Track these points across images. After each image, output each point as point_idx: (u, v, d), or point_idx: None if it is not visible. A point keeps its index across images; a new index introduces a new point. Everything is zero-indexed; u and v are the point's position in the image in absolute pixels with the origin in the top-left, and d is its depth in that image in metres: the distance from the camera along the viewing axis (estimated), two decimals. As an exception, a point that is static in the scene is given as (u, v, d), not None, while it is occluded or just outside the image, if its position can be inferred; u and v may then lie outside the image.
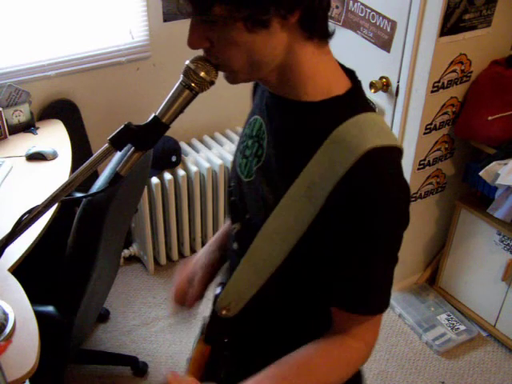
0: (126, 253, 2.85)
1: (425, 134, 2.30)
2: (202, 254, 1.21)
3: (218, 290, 1.02)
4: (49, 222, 1.84)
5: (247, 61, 0.83)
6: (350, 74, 0.91)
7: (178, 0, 0.79)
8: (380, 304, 0.92)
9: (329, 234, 0.85)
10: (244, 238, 0.97)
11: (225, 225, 1.23)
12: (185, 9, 0.80)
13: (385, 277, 0.91)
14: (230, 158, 2.71)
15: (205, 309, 1.13)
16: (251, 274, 0.93)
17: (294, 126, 0.89)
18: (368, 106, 0.89)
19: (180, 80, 0.87)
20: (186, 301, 1.17)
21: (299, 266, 0.91)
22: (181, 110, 0.88)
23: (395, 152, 0.86)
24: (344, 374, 0.95)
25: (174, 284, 1.20)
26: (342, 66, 0.92)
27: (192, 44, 0.83)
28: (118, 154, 1.75)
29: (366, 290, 0.90)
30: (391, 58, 2.26)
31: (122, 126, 0.86)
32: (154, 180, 2.58)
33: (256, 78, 0.91)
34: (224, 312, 0.98)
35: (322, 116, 0.87)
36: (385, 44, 2.26)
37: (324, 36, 0.85)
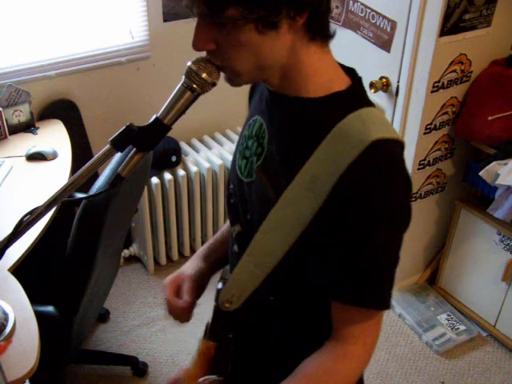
0: (125, 253, 2.85)
1: (425, 134, 2.30)
2: (188, 267, 1.20)
3: (220, 285, 1.02)
4: (49, 222, 1.84)
5: (253, 62, 0.84)
6: (350, 71, 0.93)
7: (191, 1, 0.79)
8: (380, 299, 0.91)
9: (332, 225, 0.85)
10: (245, 238, 0.97)
11: (215, 236, 1.24)
12: (197, 10, 0.80)
13: (386, 272, 0.90)
14: (230, 157, 2.71)
15: (206, 310, 1.13)
16: (253, 267, 0.93)
17: (295, 121, 0.90)
18: (369, 102, 0.90)
19: (181, 81, 0.87)
20: (179, 314, 1.16)
21: (301, 259, 0.91)
22: (182, 112, 0.88)
23: (398, 145, 0.88)
24: None
25: (166, 299, 1.19)
26: (342, 66, 0.93)
27: (198, 46, 0.83)
28: (119, 155, 1.75)
29: (367, 282, 0.89)
30: (391, 58, 2.26)
31: (124, 128, 0.86)
32: (154, 180, 2.58)
33: (259, 80, 0.91)
34: (227, 305, 0.98)
35: (324, 111, 0.87)
36: (385, 44, 2.26)
37: (326, 37, 0.87)
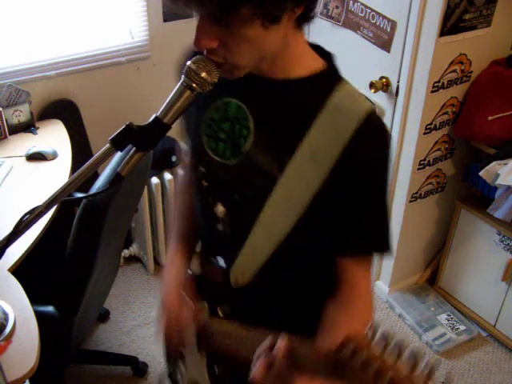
0: (125, 253, 2.85)
1: (425, 134, 2.30)
2: (173, 280, 1.20)
3: (222, 262, 1.05)
4: (49, 222, 1.84)
5: (255, 55, 0.88)
6: (319, 49, 1.00)
7: (198, 2, 0.79)
8: (389, 241, 1.04)
9: (341, 189, 0.95)
10: (234, 217, 1.03)
11: (171, 251, 1.24)
12: (206, 10, 0.80)
13: (388, 221, 1.03)
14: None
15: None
16: (263, 240, 0.99)
17: (287, 101, 0.96)
18: (344, 78, 1.00)
19: (181, 80, 0.87)
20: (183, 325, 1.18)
21: (311, 225, 0.99)
22: (182, 111, 0.88)
23: (375, 109, 0.98)
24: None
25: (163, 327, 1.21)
26: (318, 47, 1.01)
27: (201, 45, 0.85)
28: (118, 154, 1.75)
29: (379, 232, 1.02)
30: (391, 58, 2.26)
31: (123, 127, 0.86)
32: (154, 180, 2.58)
33: (254, 69, 0.93)
34: (240, 281, 1.03)
35: (313, 88, 0.96)
36: (385, 44, 2.26)
37: (307, 23, 0.92)
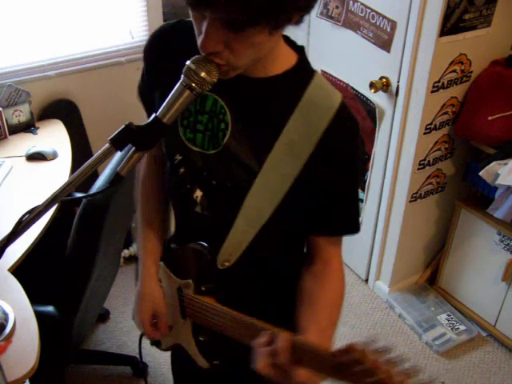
0: (125, 253, 2.85)
1: (425, 134, 2.30)
2: (152, 269, 1.28)
3: (205, 244, 1.12)
4: (49, 222, 1.84)
5: (254, 58, 0.90)
6: (289, 41, 1.03)
7: (223, 7, 0.78)
8: (359, 222, 1.14)
9: (317, 179, 1.02)
10: (212, 201, 1.09)
11: (142, 237, 1.32)
12: (230, 16, 0.80)
13: (358, 205, 1.13)
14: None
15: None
16: (245, 226, 1.06)
17: (264, 98, 1.01)
18: (313, 69, 1.04)
19: (181, 80, 0.87)
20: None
21: (288, 212, 1.06)
22: (182, 111, 0.88)
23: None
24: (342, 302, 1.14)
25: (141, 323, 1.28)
26: (288, 39, 1.03)
27: (208, 48, 0.85)
28: (118, 154, 1.75)
29: (351, 214, 1.12)
30: (391, 58, 2.26)
31: (123, 126, 0.86)
32: (154, 180, 2.57)
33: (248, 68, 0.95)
34: (226, 263, 1.10)
35: (288, 84, 1.00)
36: (385, 44, 2.26)
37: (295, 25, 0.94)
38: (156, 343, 1.35)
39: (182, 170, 1.10)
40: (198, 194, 1.10)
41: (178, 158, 1.10)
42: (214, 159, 1.05)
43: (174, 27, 1.08)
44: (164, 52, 1.08)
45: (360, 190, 2.65)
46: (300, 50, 1.04)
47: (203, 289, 1.16)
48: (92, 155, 0.86)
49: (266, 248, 1.13)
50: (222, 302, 1.13)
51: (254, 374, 0.92)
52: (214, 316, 1.13)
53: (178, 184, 1.13)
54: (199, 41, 0.86)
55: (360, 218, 1.15)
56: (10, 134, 2.32)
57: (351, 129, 1.04)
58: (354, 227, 1.13)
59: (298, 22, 0.91)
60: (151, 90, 1.12)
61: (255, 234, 1.06)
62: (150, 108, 1.15)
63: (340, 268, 1.15)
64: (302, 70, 1.03)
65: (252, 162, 1.02)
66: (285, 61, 1.01)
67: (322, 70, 2.57)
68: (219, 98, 1.02)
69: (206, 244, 1.13)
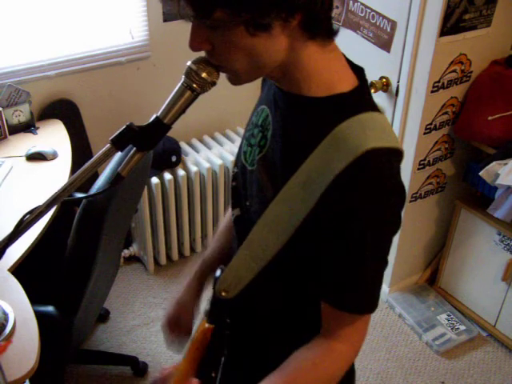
0: (126, 253, 2.85)
1: (425, 134, 2.30)
2: (184, 297, 1.23)
3: (218, 273, 1.04)
4: (49, 222, 1.84)
5: (248, 62, 0.83)
6: (359, 71, 0.91)
7: (179, 4, 0.79)
8: (367, 304, 0.93)
9: (321, 227, 0.87)
10: (242, 223, 1.01)
11: (214, 245, 1.24)
12: (186, 12, 0.80)
13: (373, 277, 0.92)
14: (230, 157, 2.71)
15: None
16: (249, 259, 0.95)
17: (297, 119, 0.90)
18: (373, 106, 0.89)
19: (181, 81, 0.87)
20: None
21: (294, 257, 0.93)
22: (182, 111, 0.88)
23: (395, 154, 0.86)
24: (332, 382, 0.97)
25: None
26: (352, 63, 0.92)
27: (193, 46, 0.84)
28: (119, 154, 1.75)
29: (355, 288, 0.91)
30: (391, 58, 2.26)
31: (124, 127, 0.86)
32: (154, 180, 2.58)
33: (259, 77, 0.91)
34: (223, 294, 1.01)
35: (324, 111, 0.87)
36: (385, 44, 2.26)
37: (327, 35, 0.86)
38: None
39: (233, 184, 1.06)
40: (236, 213, 1.05)
41: (235, 170, 1.06)
42: (249, 176, 0.99)
43: None
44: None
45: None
46: (359, 72, 0.91)
47: (205, 317, 1.10)
48: (92, 155, 0.86)
49: (273, 291, 1.03)
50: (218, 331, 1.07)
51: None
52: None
53: (230, 199, 1.08)
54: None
55: (377, 298, 0.94)
56: (9, 134, 2.32)
57: (372, 182, 0.82)
58: (358, 305, 0.92)
59: (316, 28, 0.82)
60: None
61: (258, 271, 0.95)
62: None
63: (346, 352, 0.96)
64: (352, 100, 0.87)
65: (269, 187, 0.93)
66: (333, 82, 0.87)
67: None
68: (269, 112, 0.96)
69: (218, 273, 1.06)
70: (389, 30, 2.22)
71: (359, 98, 0.88)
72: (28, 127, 2.37)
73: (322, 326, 0.96)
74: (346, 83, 0.88)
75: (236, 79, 0.88)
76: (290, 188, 0.88)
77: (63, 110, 2.49)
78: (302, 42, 0.83)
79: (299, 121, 0.89)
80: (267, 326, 1.10)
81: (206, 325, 1.07)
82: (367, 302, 0.93)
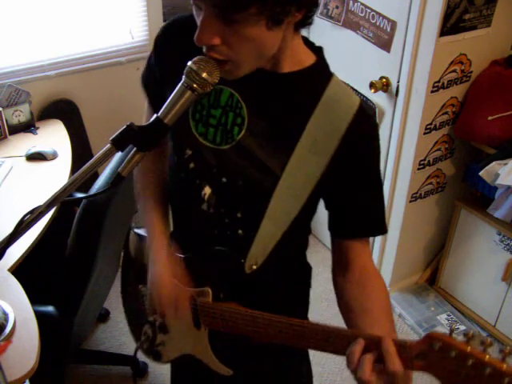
0: (125, 253, 2.85)
1: (425, 134, 2.30)
2: (165, 263, 1.16)
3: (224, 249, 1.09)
4: (49, 222, 1.84)
5: (256, 54, 0.89)
6: (318, 49, 1.05)
7: None
8: (385, 222, 1.13)
9: (342, 177, 1.02)
10: (221, 199, 1.07)
11: (153, 219, 1.21)
12: (218, 4, 0.81)
13: (384, 202, 1.11)
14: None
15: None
16: (272, 227, 1.04)
17: (281, 93, 1.00)
18: (330, 71, 1.05)
19: (182, 81, 0.87)
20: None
21: (312, 211, 1.10)
22: (183, 111, 0.88)
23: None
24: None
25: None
26: (312, 44, 1.06)
27: (203, 40, 0.85)
28: (119, 154, 1.75)
29: (381, 213, 1.11)
30: (391, 58, 2.26)
31: (124, 127, 0.86)
32: (154, 180, 2.57)
33: (254, 68, 0.94)
34: (254, 267, 1.07)
35: (307, 82, 1.01)
36: (385, 44, 2.26)
37: (305, 26, 0.96)
38: (156, 357, 1.28)
39: (191, 166, 1.08)
40: (207, 191, 1.08)
41: (188, 152, 1.08)
42: (226, 155, 1.04)
43: (188, 20, 1.01)
44: (175, 44, 1.07)
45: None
46: (318, 51, 1.05)
47: (221, 296, 1.11)
48: (92, 155, 0.86)
49: (291, 247, 1.13)
50: (243, 305, 1.08)
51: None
52: (249, 322, 1.05)
53: (186, 180, 1.10)
54: (195, 34, 0.86)
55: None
56: (9, 134, 2.32)
57: (372, 128, 1.04)
58: (383, 227, 1.12)
59: (305, 22, 0.92)
60: (160, 83, 1.09)
61: (280, 236, 1.05)
62: (152, 98, 1.15)
63: (374, 268, 1.13)
64: (321, 70, 1.03)
65: (273, 163, 1.01)
66: (302, 59, 1.01)
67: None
68: (235, 92, 1.01)
69: (224, 248, 1.09)
70: (389, 30, 2.22)
71: (325, 66, 1.05)
72: (28, 127, 2.37)
73: (349, 263, 1.10)
74: (310, 59, 1.03)
75: (235, 72, 0.91)
76: (299, 154, 0.99)
77: (63, 110, 2.49)
78: (292, 34, 0.94)
79: (284, 94, 1.00)
80: (276, 285, 1.17)
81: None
82: (385, 220, 1.12)
